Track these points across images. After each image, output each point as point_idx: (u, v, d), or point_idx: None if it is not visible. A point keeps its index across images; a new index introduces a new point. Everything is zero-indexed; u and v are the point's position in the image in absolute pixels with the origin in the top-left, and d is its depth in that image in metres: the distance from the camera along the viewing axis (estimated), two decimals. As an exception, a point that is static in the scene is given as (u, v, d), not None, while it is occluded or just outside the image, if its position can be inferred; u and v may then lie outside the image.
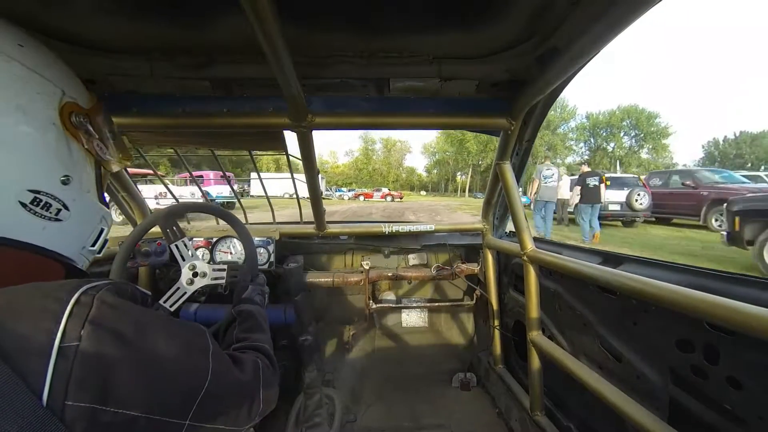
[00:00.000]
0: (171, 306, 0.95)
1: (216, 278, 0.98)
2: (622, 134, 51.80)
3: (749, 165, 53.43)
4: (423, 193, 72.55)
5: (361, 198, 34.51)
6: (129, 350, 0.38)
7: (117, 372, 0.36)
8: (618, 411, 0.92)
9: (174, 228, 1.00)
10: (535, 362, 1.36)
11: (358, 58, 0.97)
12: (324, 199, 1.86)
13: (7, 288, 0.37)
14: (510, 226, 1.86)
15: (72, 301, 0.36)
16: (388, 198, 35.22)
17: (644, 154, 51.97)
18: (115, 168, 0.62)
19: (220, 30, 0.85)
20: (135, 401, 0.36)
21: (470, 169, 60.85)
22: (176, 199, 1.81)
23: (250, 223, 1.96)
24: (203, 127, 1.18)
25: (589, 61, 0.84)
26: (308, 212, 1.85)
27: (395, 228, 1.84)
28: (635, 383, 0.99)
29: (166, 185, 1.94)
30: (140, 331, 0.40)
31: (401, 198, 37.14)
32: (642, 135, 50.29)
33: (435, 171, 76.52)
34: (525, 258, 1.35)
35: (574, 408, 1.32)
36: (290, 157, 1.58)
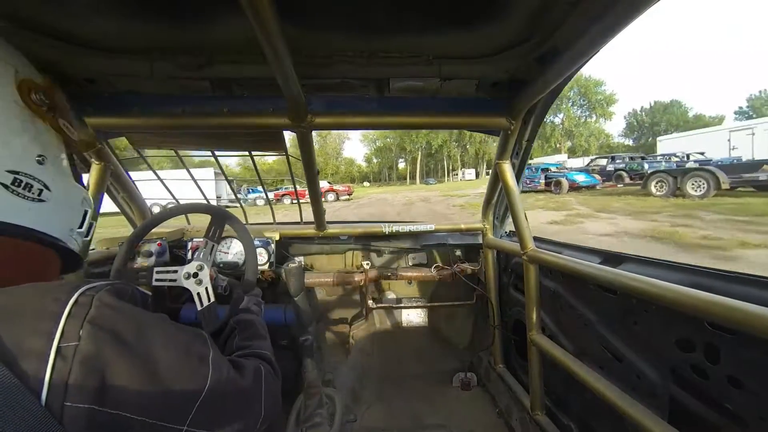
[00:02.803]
0: (156, 280, 0.93)
1: (199, 296, 0.95)
2: (570, 104, 51.43)
3: (664, 131, 58.60)
4: (366, 184, 67.72)
5: (287, 200, 20.09)
6: (127, 352, 0.37)
7: (114, 373, 0.36)
8: (618, 410, 0.92)
9: (219, 230, 1.00)
10: (536, 362, 1.36)
11: (358, 58, 0.97)
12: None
13: (5, 288, 0.37)
14: (510, 226, 1.86)
15: (71, 301, 0.36)
16: (330, 196, 21.77)
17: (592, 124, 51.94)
18: (85, 148, 0.60)
19: (220, 30, 0.85)
20: (131, 403, 0.36)
21: (419, 152, 57.37)
22: (176, 200, 1.81)
23: (251, 224, 1.96)
24: (203, 127, 1.18)
25: (588, 61, 0.84)
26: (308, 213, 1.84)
27: (395, 228, 1.84)
28: (635, 383, 0.99)
29: (166, 186, 1.94)
30: (139, 333, 0.40)
31: (350, 194, 24.10)
32: (588, 104, 50.33)
33: (375, 160, 71.97)
34: (525, 258, 1.35)
35: (575, 407, 1.32)
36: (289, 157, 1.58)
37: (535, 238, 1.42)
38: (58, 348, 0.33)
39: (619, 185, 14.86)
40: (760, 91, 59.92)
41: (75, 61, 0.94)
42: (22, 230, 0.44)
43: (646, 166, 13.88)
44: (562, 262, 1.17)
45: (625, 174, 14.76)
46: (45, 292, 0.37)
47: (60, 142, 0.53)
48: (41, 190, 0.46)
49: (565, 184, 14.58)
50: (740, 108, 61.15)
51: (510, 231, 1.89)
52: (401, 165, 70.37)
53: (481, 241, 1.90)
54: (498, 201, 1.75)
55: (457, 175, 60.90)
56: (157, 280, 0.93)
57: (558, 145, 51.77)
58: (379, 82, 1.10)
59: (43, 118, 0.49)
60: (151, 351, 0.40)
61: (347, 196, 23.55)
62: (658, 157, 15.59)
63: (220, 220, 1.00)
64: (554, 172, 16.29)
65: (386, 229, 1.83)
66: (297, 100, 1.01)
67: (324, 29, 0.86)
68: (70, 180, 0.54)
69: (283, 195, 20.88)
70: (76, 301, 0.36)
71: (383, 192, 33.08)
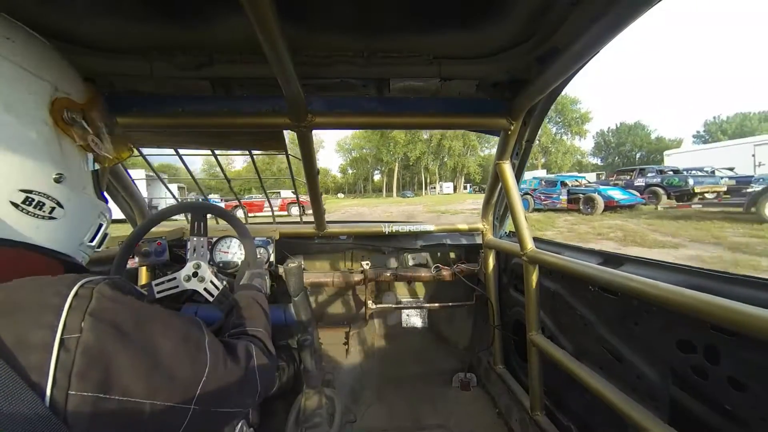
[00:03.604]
0: (158, 293, 0.94)
1: (207, 290, 0.97)
2: (547, 121, 52.41)
3: (629, 151, 64.40)
4: (340, 195, 65.73)
5: (238, 213, 3.11)
6: (128, 341, 0.38)
7: (118, 362, 0.37)
8: (618, 411, 0.92)
9: (202, 224, 1.01)
10: (535, 362, 1.36)
11: (358, 58, 0.97)
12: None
13: (4, 284, 0.37)
14: (510, 226, 1.86)
15: (71, 294, 0.37)
16: (294, 209, 15.46)
17: (568, 141, 53.43)
18: (110, 163, 0.60)
19: (220, 30, 0.85)
20: (137, 389, 0.37)
21: (396, 164, 55.61)
22: (176, 200, 1.81)
23: (250, 224, 1.96)
24: (203, 127, 1.18)
25: (588, 61, 0.84)
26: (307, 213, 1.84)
27: (395, 228, 1.84)
28: (635, 383, 0.99)
29: (165, 186, 1.94)
30: (138, 323, 0.41)
31: None
32: (564, 121, 51.51)
33: (350, 171, 70.01)
34: (525, 258, 1.35)
35: (574, 408, 1.32)
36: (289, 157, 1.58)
37: (535, 239, 1.42)
38: (62, 340, 0.34)
39: (655, 204, 12.00)
40: (714, 117, 64.56)
41: (75, 61, 0.94)
42: (23, 245, 0.44)
43: (691, 181, 11.37)
44: (562, 262, 1.17)
45: (661, 190, 11.95)
46: (45, 285, 0.37)
47: (86, 158, 0.53)
48: (53, 208, 0.47)
49: (600, 202, 11.07)
50: (698, 132, 66.11)
51: (510, 231, 1.89)
52: (377, 177, 68.87)
53: (480, 242, 1.90)
54: (498, 201, 1.75)
55: (434, 188, 60.09)
56: (159, 292, 0.94)
57: (535, 161, 52.70)
58: (379, 82, 1.10)
59: (72, 136, 0.49)
60: (152, 340, 0.41)
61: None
62: (690, 172, 12.52)
63: (198, 214, 1.01)
64: (578, 186, 12.85)
65: (386, 229, 1.83)
66: (297, 100, 1.01)
67: (324, 29, 0.86)
68: (89, 195, 0.54)
69: (233, 207, 14.12)
70: (76, 294, 0.37)
71: (359, 205, 27.88)
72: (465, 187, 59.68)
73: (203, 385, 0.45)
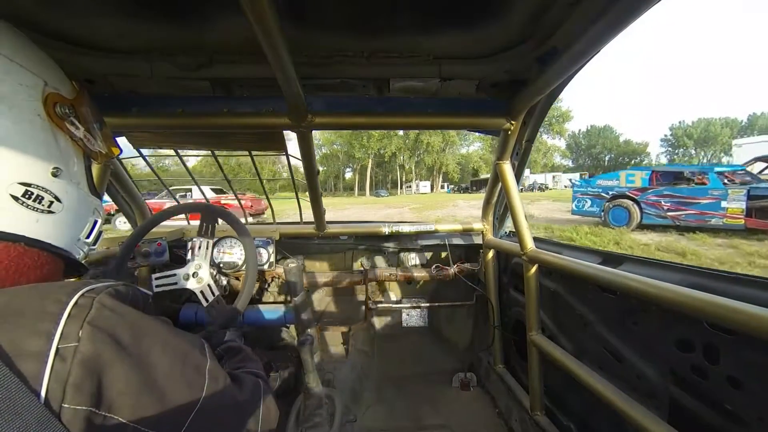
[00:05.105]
0: (157, 287, 0.94)
1: (203, 294, 0.97)
2: None
3: (599, 153, 68.42)
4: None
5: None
6: (125, 355, 0.37)
7: (112, 376, 0.35)
8: (618, 411, 0.92)
9: (211, 226, 1.01)
10: (535, 362, 1.36)
11: (358, 58, 0.97)
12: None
13: (6, 289, 0.36)
14: (510, 226, 1.86)
15: (71, 302, 0.36)
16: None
17: (549, 140, 54.28)
18: (102, 159, 0.60)
19: (220, 30, 0.85)
20: (124, 408, 0.36)
21: (370, 160, 52.98)
22: (177, 201, 1.81)
23: (250, 223, 1.96)
24: (203, 127, 1.18)
25: (588, 61, 0.84)
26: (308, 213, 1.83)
27: (395, 228, 1.84)
28: (635, 383, 0.99)
29: (166, 187, 1.94)
30: (138, 337, 0.40)
31: (260, 214, 9.83)
32: (545, 119, 52.20)
33: (321, 168, 68.51)
34: (525, 258, 1.35)
35: (574, 408, 1.32)
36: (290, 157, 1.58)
37: (535, 239, 1.42)
38: (57, 349, 0.33)
39: None
40: (679, 122, 68.55)
41: (75, 62, 0.94)
42: (24, 239, 0.44)
43: None
44: (562, 262, 1.17)
45: None
46: (46, 293, 0.37)
47: (79, 153, 0.53)
48: (51, 202, 0.46)
49: None
50: (665, 135, 70.24)
51: (510, 231, 1.89)
52: (348, 175, 66.76)
53: (481, 241, 1.90)
54: (498, 201, 1.75)
55: (410, 187, 57.93)
56: (157, 286, 0.94)
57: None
58: (379, 82, 1.10)
59: (64, 130, 0.49)
60: (149, 356, 0.40)
61: (251, 218, 3.82)
62: None
63: (210, 216, 1.01)
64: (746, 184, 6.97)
65: (386, 229, 1.84)
66: (297, 100, 1.01)
67: (324, 29, 0.86)
68: (84, 191, 0.54)
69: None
70: (76, 303, 0.36)
71: (326, 206, 13.13)
72: (443, 187, 58.32)
73: (196, 414, 0.43)
